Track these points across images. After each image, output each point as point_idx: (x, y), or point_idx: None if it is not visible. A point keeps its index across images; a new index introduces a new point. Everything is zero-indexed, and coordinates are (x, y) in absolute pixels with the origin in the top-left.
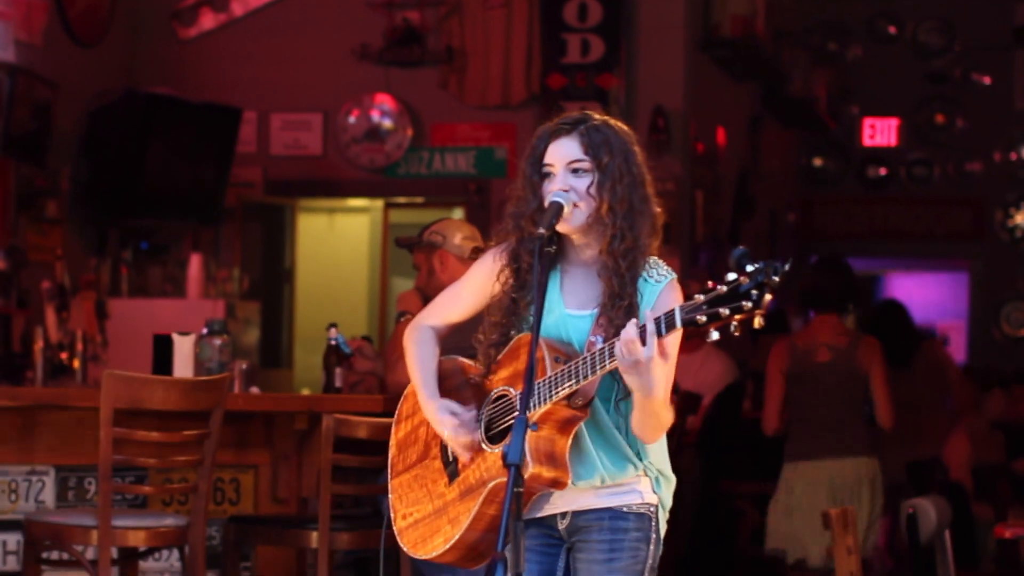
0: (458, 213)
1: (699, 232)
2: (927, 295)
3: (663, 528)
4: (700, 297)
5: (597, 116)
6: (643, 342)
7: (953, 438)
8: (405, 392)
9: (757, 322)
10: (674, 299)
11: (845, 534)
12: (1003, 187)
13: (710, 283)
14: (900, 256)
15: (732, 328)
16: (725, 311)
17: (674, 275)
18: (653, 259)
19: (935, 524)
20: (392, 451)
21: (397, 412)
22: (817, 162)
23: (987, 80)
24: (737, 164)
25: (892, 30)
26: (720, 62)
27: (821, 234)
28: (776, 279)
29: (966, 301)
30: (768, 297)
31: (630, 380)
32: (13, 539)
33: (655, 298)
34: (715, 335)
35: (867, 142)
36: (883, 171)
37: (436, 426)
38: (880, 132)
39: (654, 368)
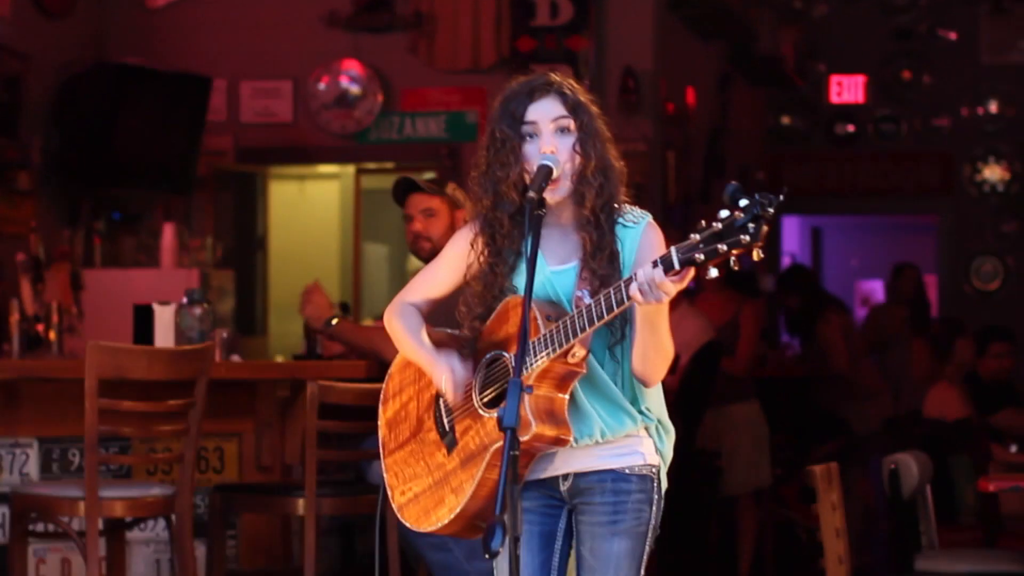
0: (429, 177)
1: (671, 192)
2: (896, 250)
3: (665, 485)
4: (695, 236)
5: (557, 77)
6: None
7: (935, 389)
8: (390, 372)
9: (756, 255)
10: (658, 236)
11: (829, 490)
12: (971, 142)
13: (703, 222)
14: (869, 212)
15: (732, 263)
16: (723, 247)
17: (649, 216)
18: (624, 204)
19: (917, 479)
20: (382, 431)
21: (383, 392)
22: (785, 120)
23: (953, 35)
24: (707, 124)
25: None
26: (688, 22)
27: (791, 191)
28: (771, 210)
29: (935, 256)
30: (765, 228)
31: (644, 321)
32: None
33: (637, 241)
34: (714, 272)
35: (834, 99)
36: (851, 128)
37: (434, 378)
38: (847, 89)
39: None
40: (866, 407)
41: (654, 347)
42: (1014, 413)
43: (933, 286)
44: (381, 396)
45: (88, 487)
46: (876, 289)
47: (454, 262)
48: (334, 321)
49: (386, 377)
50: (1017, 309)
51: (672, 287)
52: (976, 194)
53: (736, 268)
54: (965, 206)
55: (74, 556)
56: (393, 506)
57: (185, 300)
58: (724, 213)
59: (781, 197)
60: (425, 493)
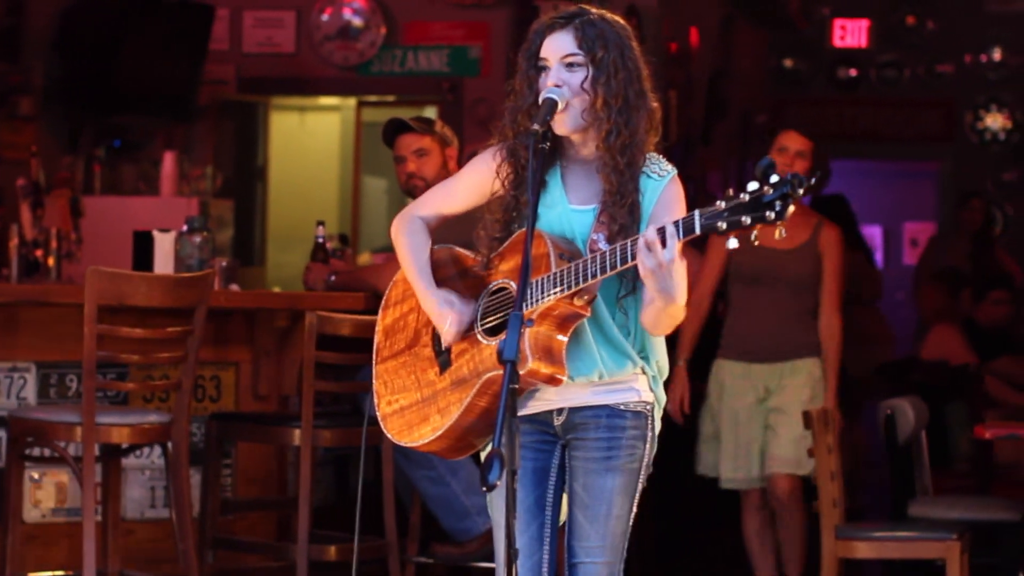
0: (431, 112)
1: (672, 132)
2: (896, 196)
3: (659, 426)
4: (721, 204)
5: (594, 10)
6: (663, 244)
7: (936, 330)
8: (395, 278)
9: (778, 233)
10: (678, 193)
11: (825, 433)
12: (973, 89)
13: (731, 190)
14: (869, 158)
15: (753, 238)
16: (747, 219)
17: (675, 171)
18: (653, 155)
19: (913, 425)
20: (378, 336)
21: (385, 298)
22: (788, 63)
23: None
24: (709, 65)
25: None
26: None
27: None
28: (800, 191)
29: (935, 203)
30: (791, 209)
31: (651, 286)
32: None
33: (657, 194)
34: (733, 243)
35: (837, 43)
36: (853, 72)
37: (434, 318)
38: (850, 33)
39: (675, 271)
40: (864, 351)
41: (667, 314)
42: (1011, 360)
43: (931, 233)
44: (383, 301)
45: (85, 412)
46: (875, 235)
47: (474, 183)
48: (332, 278)
49: (391, 283)
50: (1016, 257)
51: (662, 254)
52: (977, 142)
53: (756, 244)
54: (966, 154)
55: (70, 481)
56: (377, 414)
57: (185, 228)
58: (753, 186)
59: (813, 180)
60: (411, 408)
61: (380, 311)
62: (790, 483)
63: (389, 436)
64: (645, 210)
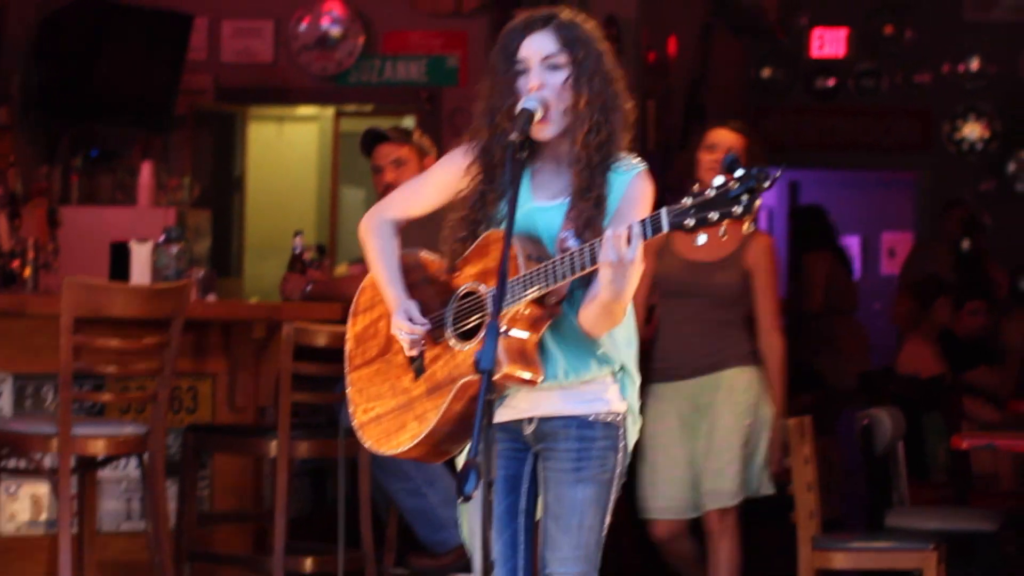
0: (409, 121)
1: (650, 140)
2: (874, 206)
3: (632, 436)
4: (687, 200)
5: (567, 13)
6: (628, 242)
7: (908, 345)
8: (363, 285)
9: (746, 227)
10: (644, 189)
11: (802, 443)
12: (951, 99)
13: (696, 186)
14: (847, 167)
15: (721, 233)
16: (714, 215)
17: (643, 166)
18: (623, 154)
19: (889, 435)
20: (349, 344)
21: (354, 305)
22: (766, 72)
23: None
24: (688, 73)
25: None
26: None
27: (770, 144)
28: (766, 184)
29: (912, 213)
30: (758, 203)
31: (606, 281)
32: None
33: (624, 188)
34: (703, 239)
35: (815, 53)
36: (831, 82)
37: (394, 328)
38: (829, 42)
39: (632, 271)
40: (842, 362)
41: (608, 311)
42: (988, 371)
43: (908, 243)
44: (352, 308)
45: (61, 424)
46: (852, 244)
47: (442, 182)
48: (308, 288)
49: (359, 290)
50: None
51: (626, 251)
52: (955, 152)
53: (725, 238)
54: (943, 163)
55: (46, 493)
56: (353, 422)
57: (162, 238)
58: (719, 181)
59: (778, 173)
60: (388, 415)
61: (349, 318)
62: (722, 514)
63: (367, 445)
64: (611, 205)
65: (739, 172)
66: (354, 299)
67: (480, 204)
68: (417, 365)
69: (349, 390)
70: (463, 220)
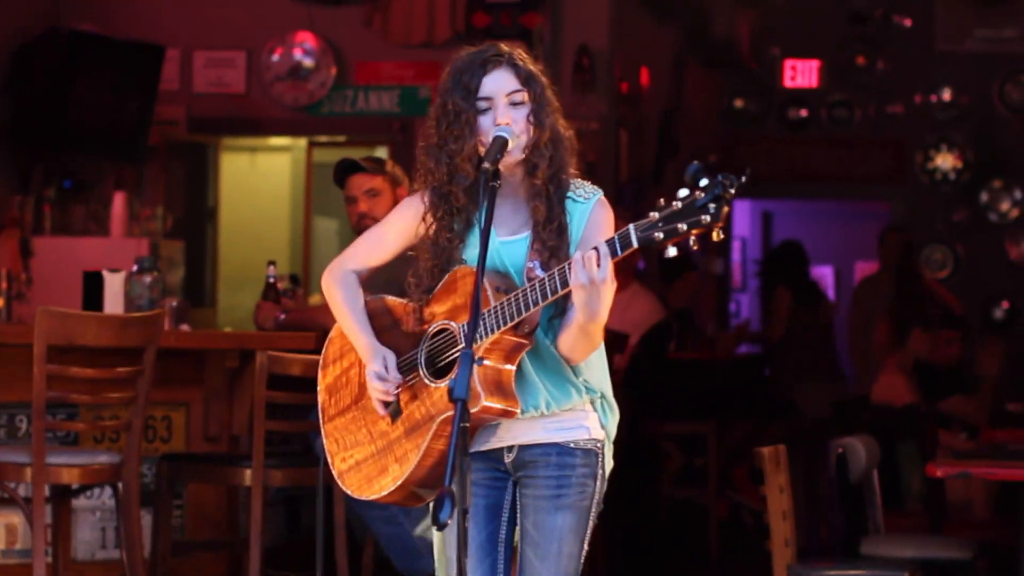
0: (382, 152)
1: (623, 172)
2: (847, 236)
3: (610, 463)
4: (654, 215)
5: (506, 48)
6: (598, 263)
7: (883, 375)
8: (330, 336)
9: (716, 235)
10: (607, 214)
11: (777, 472)
12: (924, 129)
13: (662, 200)
14: (820, 197)
15: (691, 243)
16: (683, 226)
17: (600, 192)
18: (577, 179)
19: (864, 463)
20: (322, 396)
21: (323, 356)
22: (738, 103)
23: (908, 22)
24: (661, 104)
25: None
26: (644, 2)
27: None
28: (733, 191)
29: None
30: (726, 209)
31: (580, 303)
32: None
33: (586, 218)
34: (672, 251)
35: (788, 83)
36: (804, 112)
37: (369, 377)
38: (801, 73)
39: (604, 291)
40: (814, 391)
41: (585, 334)
42: (962, 400)
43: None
44: (321, 360)
45: (35, 453)
46: (825, 275)
47: (401, 228)
48: (281, 317)
49: (326, 341)
50: (966, 297)
51: (596, 272)
52: (928, 182)
53: (696, 248)
54: (916, 194)
55: (20, 522)
56: (333, 472)
57: (135, 268)
58: (684, 192)
59: (743, 179)
60: (368, 461)
61: (320, 370)
62: None
63: (348, 492)
64: (575, 233)
65: (704, 181)
66: (323, 351)
67: (442, 250)
68: (393, 408)
69: (326, 441)
70: (433, 269)
